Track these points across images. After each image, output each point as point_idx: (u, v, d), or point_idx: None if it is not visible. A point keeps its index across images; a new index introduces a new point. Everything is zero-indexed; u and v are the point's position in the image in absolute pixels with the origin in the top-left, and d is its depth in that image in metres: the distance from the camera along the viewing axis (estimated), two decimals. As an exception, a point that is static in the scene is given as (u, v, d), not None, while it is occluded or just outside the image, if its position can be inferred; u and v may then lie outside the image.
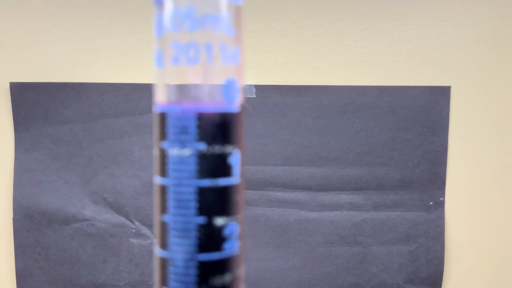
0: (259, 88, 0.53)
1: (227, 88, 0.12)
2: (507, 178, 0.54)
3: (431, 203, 0.54)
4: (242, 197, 0.12)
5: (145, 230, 0.54)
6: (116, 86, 0.53)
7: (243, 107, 0.12)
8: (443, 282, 0.54)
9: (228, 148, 0.12)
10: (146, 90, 0.53)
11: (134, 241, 0.54)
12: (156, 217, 0.12)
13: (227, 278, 0.12)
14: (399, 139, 0.53)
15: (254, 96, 0.53)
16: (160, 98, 0.12)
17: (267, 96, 0.53)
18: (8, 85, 0.53)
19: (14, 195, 0.54)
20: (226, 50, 0.11)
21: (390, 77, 0.53)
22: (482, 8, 0.52)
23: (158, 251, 0.12)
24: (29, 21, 0.53)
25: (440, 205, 0.54)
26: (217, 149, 0.12)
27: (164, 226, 0.12)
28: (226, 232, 0.12)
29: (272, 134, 0.53)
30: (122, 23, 0.53)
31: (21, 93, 0.53)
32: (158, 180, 0.12)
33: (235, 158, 0.12)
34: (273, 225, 0.54)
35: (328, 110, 0.53)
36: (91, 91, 0.53)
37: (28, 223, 0.54)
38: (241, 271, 0.12)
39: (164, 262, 0.12)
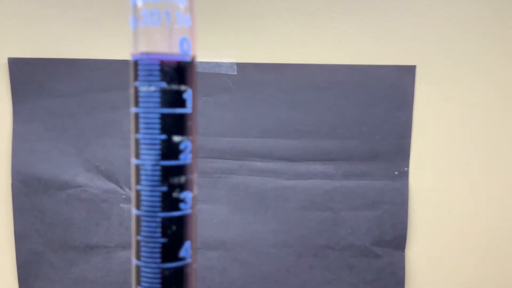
0: (240, 66, 0.55)
1: (182, 43, 0.16)
2: (465, 149, 0.56)
3: (396, 172, 0.56)
4: (193, 123, 0.17)
5: (134, 196, 0.57)
6: (107, 62, 0.55)
7: (193, 57, 0.17)
8: (406, 244, 0.56)
9: (183, 87, 0.16)
10: None
11: (124, 206, 0.56)
12: (132, 136, 0.17)
13: (182, 179, 0.17)
14: (368, 114, 0.55)
15: (235, 73, 0.55)
16: (134, 50, 0.17)
17: (247, 73, 0.55)
18: (6, 61, 0.55)
19: (13, 163, 0.55)
20: (180, 16, 0.16)
21: (360, 56, 0.55)
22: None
23: (133, 160, 0.17)
24: (26, 1, 0.54)
25: (405, 174, 0.56)
26: (174, 87, 0.16)
27: (137, 142, 0.17)
28: (182, 146, 0.17)
29: (252, 108, 0.55)
30: (113, 5, 0.54)
31: (19, 68, 0.55)
32: (133, 109, 0.17)
33: (188, 94, 0.17)
34: (252, 192, 0.56)
35: (303, 87, 0.55)
36: (84, 66, 0.55)
37: (26, 189, 0.56)
38: (194, 176, 0.17)
39: (137, 168, 0.17)
